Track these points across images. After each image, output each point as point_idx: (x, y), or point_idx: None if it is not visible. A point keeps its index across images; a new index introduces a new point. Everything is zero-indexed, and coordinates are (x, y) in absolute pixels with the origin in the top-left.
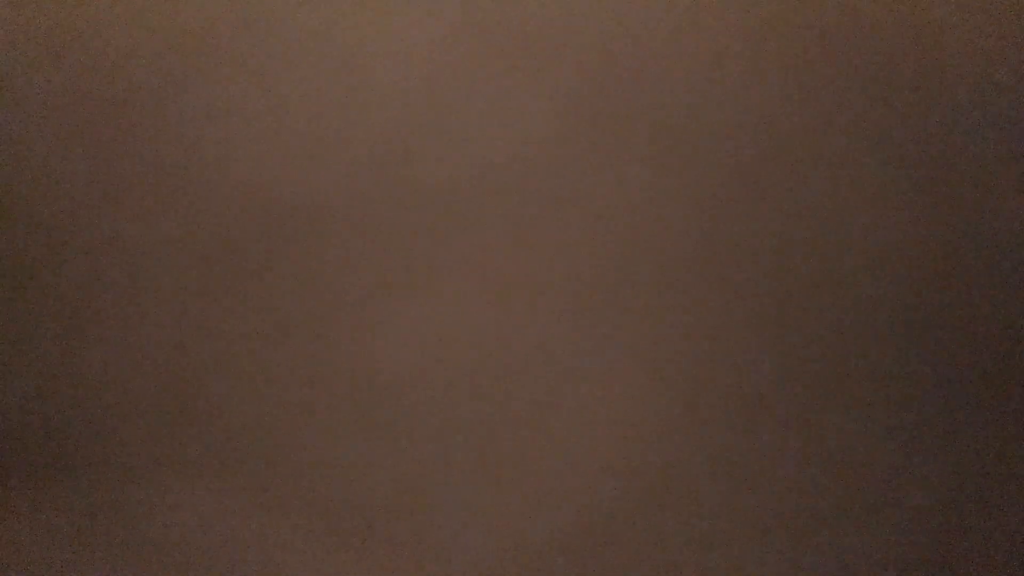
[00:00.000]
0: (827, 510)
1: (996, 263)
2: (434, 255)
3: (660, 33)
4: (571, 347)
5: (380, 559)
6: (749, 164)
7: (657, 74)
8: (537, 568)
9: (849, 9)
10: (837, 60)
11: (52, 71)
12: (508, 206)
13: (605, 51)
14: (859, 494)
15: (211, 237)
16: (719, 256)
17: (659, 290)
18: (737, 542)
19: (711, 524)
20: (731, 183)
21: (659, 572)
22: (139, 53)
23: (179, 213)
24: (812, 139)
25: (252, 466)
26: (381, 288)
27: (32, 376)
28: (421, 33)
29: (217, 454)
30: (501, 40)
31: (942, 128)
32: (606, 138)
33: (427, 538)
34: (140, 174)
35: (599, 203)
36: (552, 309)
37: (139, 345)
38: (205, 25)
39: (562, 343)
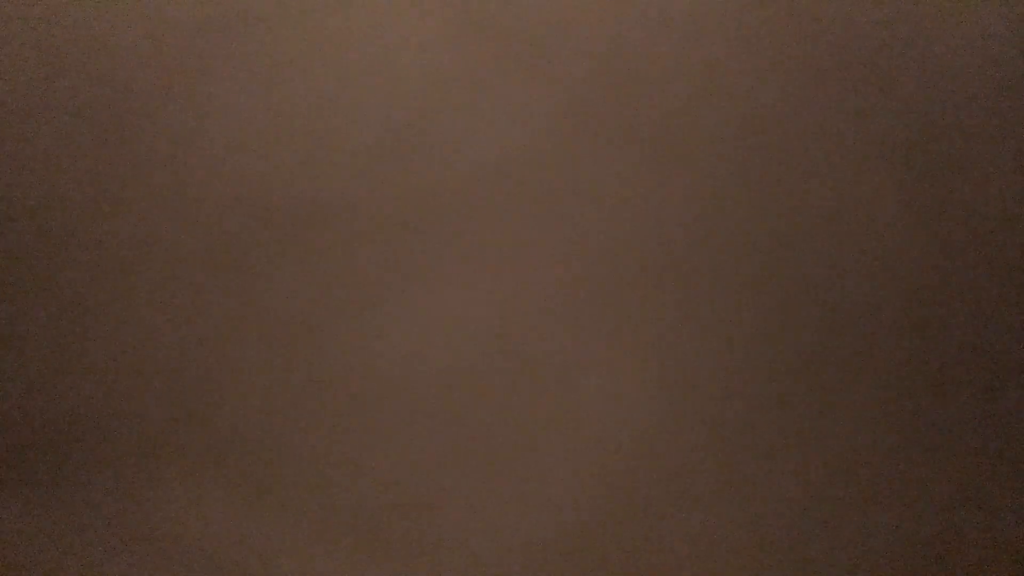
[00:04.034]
0: (827, 510)
1: (996, 263)
2: (434, 255)
3: (660, 33)
4: (571, 346)
5: (380, 559)
6: (749, 164)
7: (658, 74)
8: (537, 568)
9: (849, 9)
10: (837, 60)
11: (51, 70)
12: (508, 206)
13: (605, 51)
14: (860, 493)
15: (210, 237)
16: (719, 256)
17: (660, 290)
18: (737, 542)
19: (710, 524)
20: (731, 183)
21: (659, 572)
22: (138, 51)
23: (178, 213)
24: (812, 139)
25: (252, 466)
26: (381, 288)
27: (32, 376)
28: (421, 33)
29: (217, 453)
30: (501, 40)
31: (942, 128)
32: (606, 138)
33: (427, 538)
34: (138, 174)
35: (600, 202)
36: (553, 308)
37: (139, 345)
38: (205, 24)
39: (562, 342)
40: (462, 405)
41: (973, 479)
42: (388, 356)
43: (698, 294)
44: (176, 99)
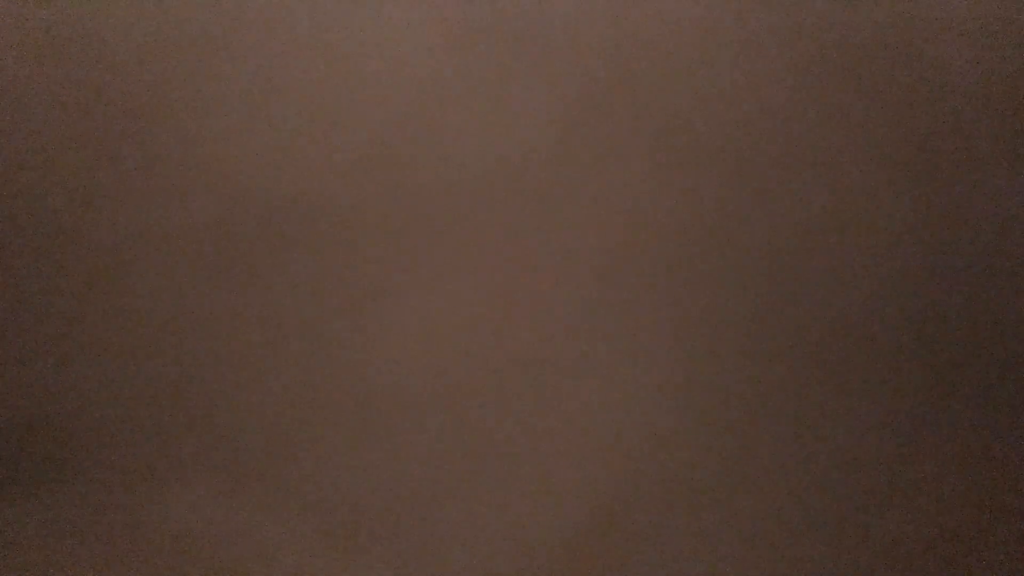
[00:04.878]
0: (827, 510)
1: (996, 263)
2: (433, 255)
3: (661, 33)
4: (571, 347)
5: (380, 559)
6: (750, 166)
7: (658, 74)
8: (537, 568)
9: (850, 10)
10: (838, 60)
11: (51, 69)
12: (507, 206)
13: (606, 51)
14: (859, 494)
15: (210, 237)
16: (719, 256)
17: (660, 290)
18: (737, 542)
19: (711, 524)
20: (732, 183)
21: (660, 572)
22: (137, 51)
23: (178, 213)
24: (812, 139)
25: (252, 466)
26: (381, 288)
27: (32, 376)
28: (421, 33)
29: (217, 454)
30: (501, 40)
31: (942, 128)
32: (606, 138)
33: (427, 538)
34: (138, 174)
35: (599, 203)
36: (552, 309)
37: (139, 345)
38: (204, 24)
39: (562, 343)
40: (462, 406)
41: (973, 479)
42: (389, 356)
43: (699, 295)
44: (176, 100)
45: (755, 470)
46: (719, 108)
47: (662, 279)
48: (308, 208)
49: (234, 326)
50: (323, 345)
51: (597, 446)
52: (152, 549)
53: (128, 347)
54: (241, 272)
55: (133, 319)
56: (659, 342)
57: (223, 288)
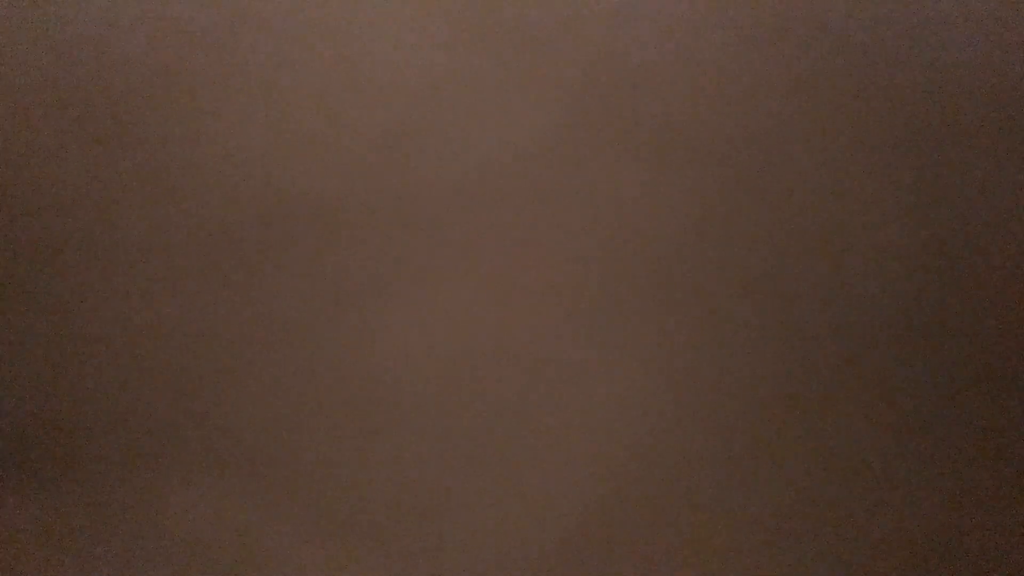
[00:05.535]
0: (827, 510)
1: (996, 263)
2: (434, 254)
3: (661, 33)
4: (571, 347)
5: (380, 559)
6: (750, 165)
7: (658, 74)
8: (537, 568)
9: (850, 9)
10: (838, 60)
11: (51, 69)
12: (508, 206)
13: (605, 51)
14: (859, 494)
15: (210, 237)
16: (719, 256)
17: (660, 290)
18: (737, 542)
19: (711, 524)
20: (731, 183)
21: (660, 572)
22: (137, 51)
23: (178, 212)
24: (813, 139)
25: (252, 466)
26: (381, 287)
27: (32, 376)
28: (421, 33)
29: (217, 453)
30: (501, 40)
31: (942, 128)
32: (606, 138)
33: (428, 538)
34: (138, 173)
35: (600, 203)
36: (552, 309)
37: (139, 344)
38: (205, 23)
39: (562, 343)
40: (463, 406)
41: (973, 479)
42: (389, 356)
43: (700, 294)
44: (176, 99)
45: (753, 471)
46: (718, 108)
47: (662, 279)
48: (309, 207)
49: (235, 325)
50: (323, 344)
51: (596, 445)
52: (152, 549)
53: (128, 346)
54: (241, 271)
55: (133, 318)
56: (658, 342)
57: (223, 287)
